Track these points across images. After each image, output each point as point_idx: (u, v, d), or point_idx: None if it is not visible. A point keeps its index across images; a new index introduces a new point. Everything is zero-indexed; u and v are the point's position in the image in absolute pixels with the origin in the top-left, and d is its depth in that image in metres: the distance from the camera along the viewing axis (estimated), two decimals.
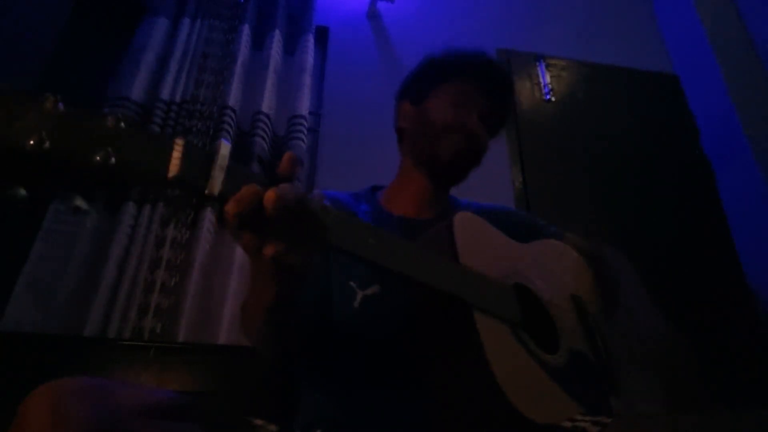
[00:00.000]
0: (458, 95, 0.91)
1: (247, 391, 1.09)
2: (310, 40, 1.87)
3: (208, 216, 1.46)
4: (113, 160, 0.36)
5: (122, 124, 0.38)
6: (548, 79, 2.20)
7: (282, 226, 0.44)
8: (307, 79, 1.78)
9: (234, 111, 1.63)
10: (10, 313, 1.25)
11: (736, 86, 2.13)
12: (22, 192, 0.38)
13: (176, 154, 0.40)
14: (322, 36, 2.08)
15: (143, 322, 1.30)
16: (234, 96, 1.65)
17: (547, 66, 2.24)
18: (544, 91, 2.18)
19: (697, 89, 2.29)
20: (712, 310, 1.82)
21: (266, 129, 1.64)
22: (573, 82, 2.25)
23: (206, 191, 0.41)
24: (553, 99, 2.17)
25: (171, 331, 1.30)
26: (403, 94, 0.99)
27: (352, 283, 0.75)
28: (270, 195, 0.42)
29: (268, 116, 1.66)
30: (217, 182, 0.42)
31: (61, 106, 0.36)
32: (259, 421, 0.61)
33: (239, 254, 1.43)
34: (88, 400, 0.42)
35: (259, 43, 1.85)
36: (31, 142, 0.34)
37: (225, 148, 0.43)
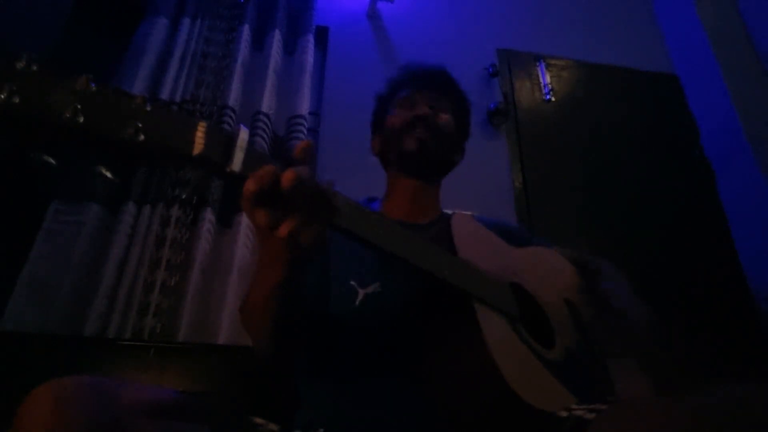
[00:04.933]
0: (404, 101, 1.00)
1: (247, 391, 1.09)
2: (310, 40, 1.87)
3: (208, 216, 1.46)
4: (142, 136, 0.39)
5: (149, 106, 0.40)
6: (548, 79, 2.20)
7: (297, 203, 0.46)
8: (307, 79, 1.78)
9: (234, 111, 1.63)
10: (10, 313, 1.24)
11: (736, 86, 2.13)
12: (52, 161, 0.41)
13: (200, 133, 0.42)
14: (322, 36, 2.08)
15: (143, 322, 1.29)
16: (234, 96, 1.65)
17: (547, 66, 2.24)
18: (544, 91, 2.18)
19: (697, 89, 2.29)
20: (712, 310, 1.82)
21: (266, 129, 1.64)
22: (573, 82, 2.25)
23: (228, 168, 0.44)
24: (553, 99, 2.17)
25: (171, 331, 1.30)
26: (373, 130, 1.09)
27: (352, 282, 0.76)
28: (288, 174, 0.45)
29: (268, 116, 1.66)
30: (238, 160, 0.45)
31: (93, 85, 0.38)
32: (259, 421, 0.60)
33: (239, 254, 1.43)
34: (89, 399, 0.42)
35: (259, 43, 1.85)
36: (67, 115, 0.36)
37: (244, 132, 0.47)
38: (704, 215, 2.06)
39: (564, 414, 0.55)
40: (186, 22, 1.77)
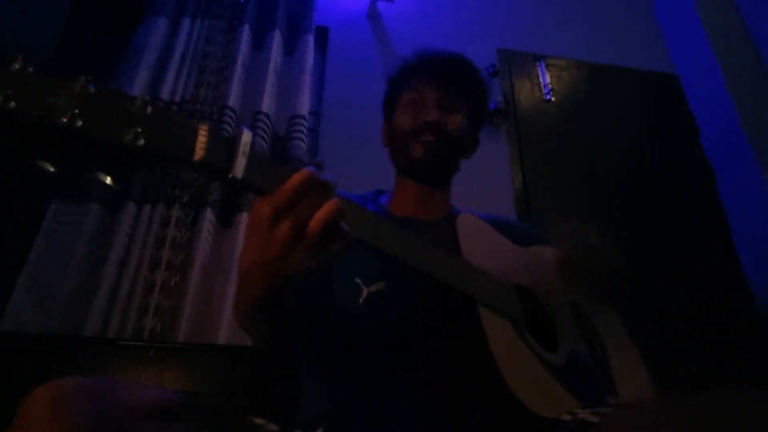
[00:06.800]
0: (413, 97, 0.94)
1: (247, 391, 1.09)
2: (310, 40, 1.87)
3: (208, 216, 1.46)
4: (141, 141, 0.38)
5: (149, 108, 0.39)
6: (548, 79, 2.20)
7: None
8: (307, 79, 1.78)
9: (234, 111, 1.63)
10: (10, 313, 1.24)
11: (736, 86, 2.13)
12: (50, 168, 0.39)
13: (201, 138, 0.41)
14: (322, 36, 2.08)
15: (143, 322, 1.29)
16: (234, 96, 1.65)
17: (547, 66, 2.24)
18: (544, 91, 2.18)
19: (697, 89, 2.29)
20: (712, 311, 1.82)
21: (266, 129, 1.64)
22: (573, 82, 2.25)
23: (230, 174, 0.43)
24: (553, 99, 2.17)
25: (171, 331, 1.30)
26: (384, 116, 1.04)
27: (357, 280, 0.75)
28: (331, 204, 0.47)
29: (268, 116, 1.66)
30: (240, 166, 0.43)
31: (92, 87, 0.37)
32: (259, 421, 0.60)
33: (239, 254, 1.43)
34: (89, 400, 0.42)
35: (259, 44, 1.85)
36: (64, 120, 0.35)
37: (247, 135, 0.44)
38: (704, 215, 2.05)
39: (568, 418, 0.55)
40: (186, 22, 1.77)
